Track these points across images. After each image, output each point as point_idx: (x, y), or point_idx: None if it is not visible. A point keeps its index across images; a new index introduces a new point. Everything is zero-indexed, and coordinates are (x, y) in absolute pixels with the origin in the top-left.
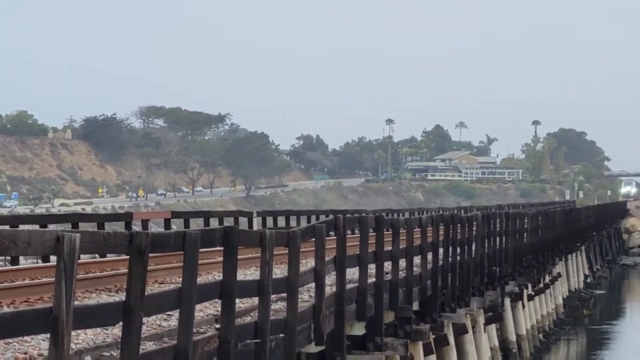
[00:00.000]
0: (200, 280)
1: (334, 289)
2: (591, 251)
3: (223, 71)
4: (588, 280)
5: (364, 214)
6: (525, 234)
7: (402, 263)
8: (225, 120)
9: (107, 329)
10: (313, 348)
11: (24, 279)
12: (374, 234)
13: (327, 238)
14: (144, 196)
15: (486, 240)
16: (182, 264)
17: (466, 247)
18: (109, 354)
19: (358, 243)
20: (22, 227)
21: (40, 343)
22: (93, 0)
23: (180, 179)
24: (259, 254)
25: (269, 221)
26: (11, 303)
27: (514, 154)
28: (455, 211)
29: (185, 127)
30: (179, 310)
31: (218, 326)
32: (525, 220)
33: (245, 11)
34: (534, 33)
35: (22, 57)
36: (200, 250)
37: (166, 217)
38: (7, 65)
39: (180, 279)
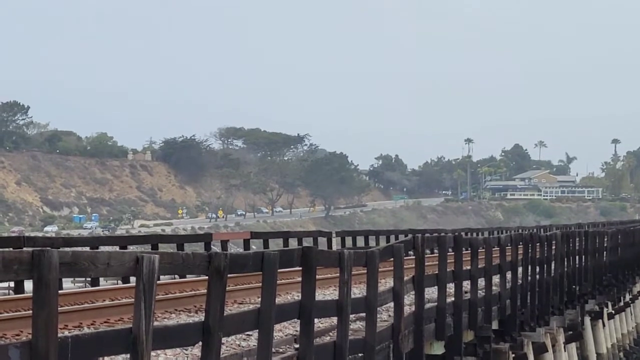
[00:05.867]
0: (279, 300)
1: (413, 308)
2: None
3: (301, 92)
4: None
5: (442, 234)
6: (605, 252)
7: (481, 282)
8: (304, 140)
9: (186, 350)
10: None
11: (104, 300)
12: (453, 253)
13: (405, 258)
14: (223, 217)
15: (566, 259)
16: (260, 284)
17: (545, 266)
18: None
19: (437, 262)
20: (102, 248)
21: None
22: (168, 32)
23: (260, 199)
24: (338, 274)
25: (348, 241)
26: (91, 324)
27: (593, 172)
28: (535, 230)
29: (264, 148)
30: (258, 330)
31: (297, 346)
32: (605, 239)
33: (321, 36)
34: (613, 50)
35: (101, 82)
36: (279, 270)
37: (245, 238)
38: (87, 89)
39: (259, 299)
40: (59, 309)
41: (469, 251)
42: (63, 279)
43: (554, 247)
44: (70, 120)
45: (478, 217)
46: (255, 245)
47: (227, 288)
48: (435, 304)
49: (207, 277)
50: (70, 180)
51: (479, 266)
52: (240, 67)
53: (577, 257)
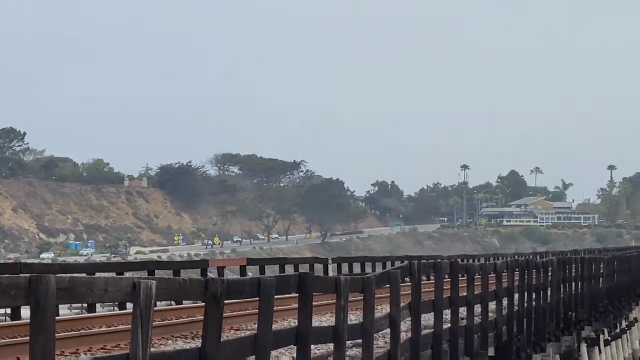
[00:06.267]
0: (276, 326)
1: (410, 334)
2: None
3: (297, 118)
4: None
5: (439, 260)
6: (601, 279)
7: (478, 309)
8: (301, 167)
9: None
10: None
11: (101, 327)
12: (449, 279)
13: (402, 284)
14: (219, 244)
15: (562, 286)
16: (257, 310)
17: (542, 293)
18: None
19: (433, 289)
20: (98, 275)
21: None
22: (170, 57)
23: (256, 226)
24: (335, 300)
25: (345, 268)
26: (88, 350)
27: (590, 199)
28: (531, 257)
29: (260, 175)
30: (254, 356)
31: None
32: (601, 265)
33: (316, 64)
34: (610, 77)
35: (99, 107)
36: (276, 297)
37: (242, 265)
38: (84, 115)
39: (256, 325)
40: (56, 335)
41: (466, 277)
42: (60, 306)
43: (550, 274)
44: (67, 146)
45: (474, 244)
46: (252, 272)
47: (224, 314)
48: (432, 330)
49: (204, 304)
50: (66, 207)
51: (476, 293)
52: (239, 92)
53: (573, 284)
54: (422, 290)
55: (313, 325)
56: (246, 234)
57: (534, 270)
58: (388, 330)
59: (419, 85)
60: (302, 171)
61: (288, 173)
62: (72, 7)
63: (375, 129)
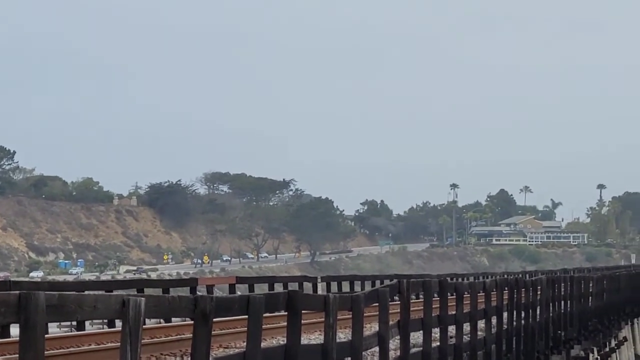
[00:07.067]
0: (264, 344)
1: (398, 352)
2: None
3: (286, 138)
4: None
5: (428, 279)
6: (590, 297)
7: (467, 327)
8: (290, 185)
9: None
10: None
11: (90, 344)
12: (438, 298)
13: (391, 302)
14: (209, 262)
15: (551, 304)
16: (246, 328)
17: (531, 311)
18: None
19: (422, 307)
20: (87, 293)
21: None
22: (154, 77)
23: (245, 244)
24: (323, 319)
25: (334, 286)
26: None
27: (579, 217)
28: (520, 275)
29: (250, 193)
30: None
31: None
32: (590, 284)
33: (302, 78)
34: (599, 97)
35: (84, 125)
36: (265, 315)
37: (231, 283)
38: (74, 132)
39: (245, 343)
40: (45, 352)
41: (454, 296)
42: (49, 324)
43: (539, 292)
44: (56, 165)
45: (464, 263)
46: (241, 290)
47: (213, 332)
48: (421, 348)
49: (192, 321)
50: (55, 226)
51: (465, 311)
52: (228, 111)
53: (562, 302)
54: (411, 309)
55: (302, 343)
56: (235, 252)
57: (523, 289)
58: (377, 348)
59: (407, 104)
60: (292, 190)
61: (277, 192)
62: (66, 13)
63: (364, 147)
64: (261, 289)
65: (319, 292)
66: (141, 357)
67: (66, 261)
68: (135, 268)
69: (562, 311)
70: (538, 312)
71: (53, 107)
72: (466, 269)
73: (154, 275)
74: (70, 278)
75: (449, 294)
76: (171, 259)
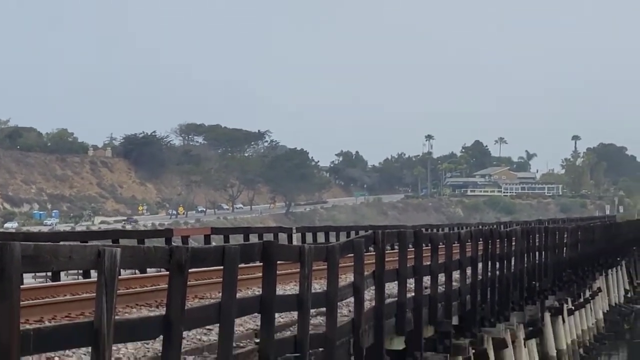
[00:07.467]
0: (239, 295)
1: (373, 303)
2: (632, 266)
3: (262, 88)
4: (628, 295)
5: (402, 229)
6: (565, 248)
7: (441, 278)
8: (265, 137)
9: (147, 343)
10: None
11: (65, 295)
12: (413, 249)
13: (366, 253)
14: (184, 213)
15: (526, 255)
16: (221, 279)
17: (505, 262)
18: None
19: (397, 258)
20: (63, 243)
21: (81, 358)
22: (133, 26)
23: (220, 196)
24: (298, 269)
25: (309, 237)
26: (52, 318)
27: (553, 169)
28: (495, 226)
29: (225, 145)
30: (219, 324)
31: (258, 340)
32: (565, 235)
33: (277, 27)
34: (574, 49)
35: (60, 77)
36: (240, 266)
37: (206, 234)
38: (49, 83)
39: (220, 294)
40: (20, 303)
41: (429, 247)
42: (24, 275)
43: (514, 243)
44: (31, 116)
45: (438, 214)
46: (216, 241)
47: (189, 283)
48: (396, 299)
49: (168, 272)
50: (30, 177)
51: (439, 262)
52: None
53: (537, 253)
54: (386, 259)
55: (277, 294)
56: (210, 203)
57: (498, 240)
58: (352, 299)
59: (384, 54)
60: (267, 141)
61: (252, 143)
62: None
63: (340, 98)
64: (236, 239)
65: (294, 243)
66: (117, 307)
67: (41, 212)
68: (125, 218)
69: (537, 262)
70: (513, 262)
71: (27, 58)
72: (441, 220)
73: (128, 227)
74: (45, 229)
75: (423, 244)
76: (146, 210)
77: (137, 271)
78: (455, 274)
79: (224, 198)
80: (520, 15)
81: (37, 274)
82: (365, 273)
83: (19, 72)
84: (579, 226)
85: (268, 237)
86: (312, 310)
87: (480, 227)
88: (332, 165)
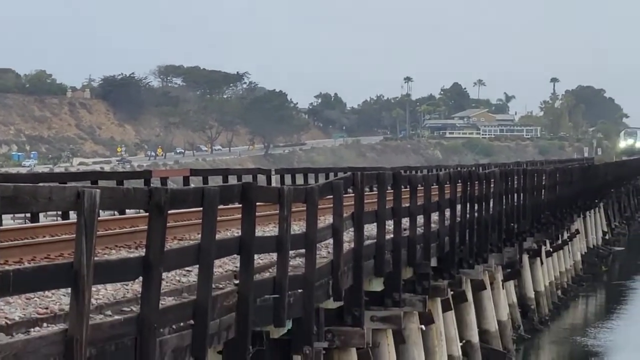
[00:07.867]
0: (219, 236)
1: (352, 245)
2: (610, 208)
3: (240, 30)
4: (606, 237)
5: (381, 171)
6: (543, 190)
7: (420, 219)
8: (244, 78)
9: (127, 285)
10: (331, 304)
11: (44, 236)
12: (392, 190)
13: (345, 195)
14: (162, 155)
15: (504, 197)
16: (201, 220)
17: (484, 204)
18: (129, 309)
19: (376, 200)
20: (42, 184)
21: (61, 298)
22: None
23: (199, 137)
24: (277, 211)
25: (288, 179)
26: (32, 259)
27: (532, 111)
28: (473, 168)
29: (203, 86)
30: (198, 266)
31: (237, 282)
32: (543, 177)
33: None
34: None
35: (39, 17)
36: (219, 207)
37: (185, 175)
38: (25, 24)
39: (200, 235)
40: None
41: (408, 189)
42: (2, 216)
43: (492, 185)
44: (9, 57)
45: (417, 156)
46: (195, 183)
47: (168, 225)
48: (375, 240)
49: (147, 214)
50: (8, 118)
51: (418, 203)
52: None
53: (515, 195)
54: (365, 201)
55: (256, 235)
56: (189, 145)
57: (476, 182)
58: (331, 240)
59: None
60: (245, 83)
61: (231, 84)
62: None
63: (317, 40)
64: (215, 181)
65: (273, 184)
66: (96, 249)
67: (19, 153)
68: (119, 158)
69: (515, 204)
70: (491, 204)
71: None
72: (419, 162)
73: (107, 168)
74: (23, 170)
75: (402, 186)
76: (125, 151)
77: (116, 212)
78: (434, 216)
79: (203, 140)
80: None
81: (16, 215)
82: (344, 215)
83: None
84: (557, 168)
85: (247, 178)
86: (291, 252)
87: (458, 169)
88: (310, 107)
